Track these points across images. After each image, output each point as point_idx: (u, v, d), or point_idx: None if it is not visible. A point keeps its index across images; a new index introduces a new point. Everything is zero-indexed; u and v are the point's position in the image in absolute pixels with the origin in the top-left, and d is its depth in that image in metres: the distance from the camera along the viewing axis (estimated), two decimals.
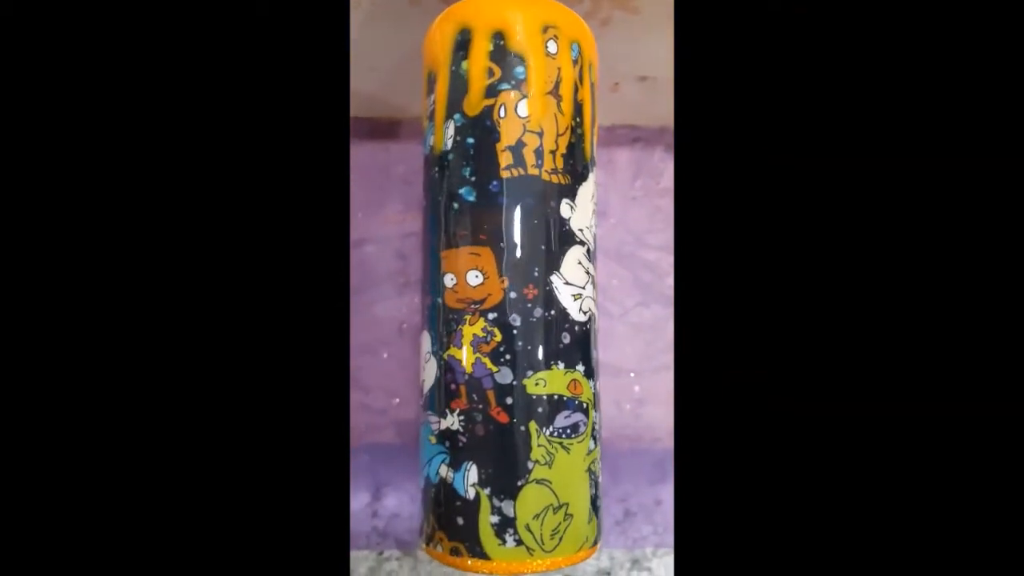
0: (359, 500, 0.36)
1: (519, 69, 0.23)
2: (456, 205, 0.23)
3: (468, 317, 0.22)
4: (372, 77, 0.33)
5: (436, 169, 0.24)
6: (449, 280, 0.23)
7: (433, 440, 0.23)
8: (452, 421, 0.22)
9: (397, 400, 0.36)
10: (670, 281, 0.38)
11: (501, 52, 0.23)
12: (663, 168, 0.39)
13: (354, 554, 0.35)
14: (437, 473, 0.22)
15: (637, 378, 0.37)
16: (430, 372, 0.23)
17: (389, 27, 0.29)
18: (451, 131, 0.23)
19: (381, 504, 0.36)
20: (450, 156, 0.23)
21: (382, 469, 0.36)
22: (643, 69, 0.33)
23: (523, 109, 0.23)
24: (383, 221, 0.37)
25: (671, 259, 0.39)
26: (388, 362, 0.36)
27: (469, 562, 0.22)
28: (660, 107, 0.36)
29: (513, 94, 0.23)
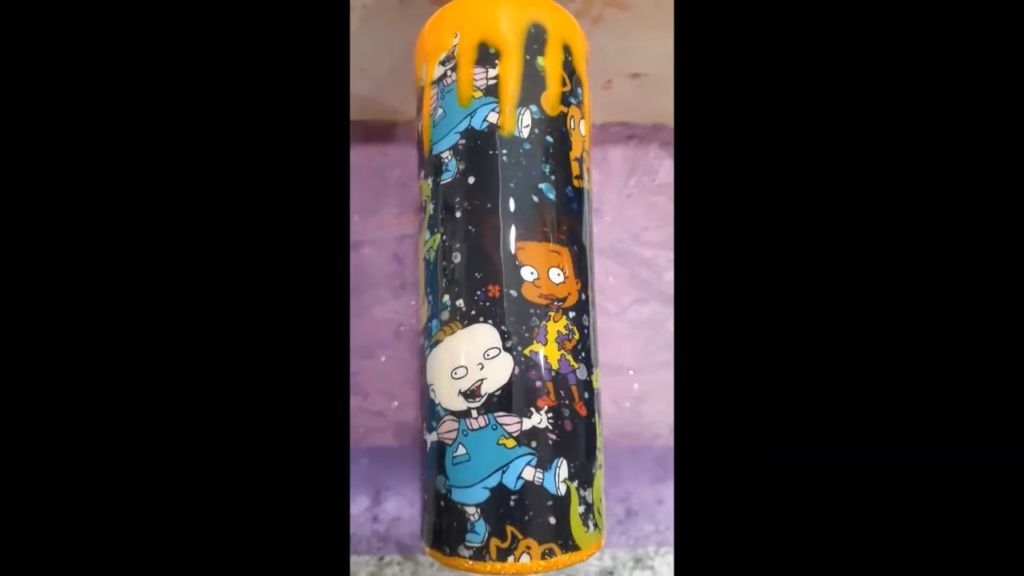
0: (359, 504, 0.35)
1: (579, 90, 0.25)
2: (536, 199, 0.23)
3: (552, 314, 0.23)
4: (365, 80, 0.32)
5: (504, 152, 0.23)
6: (529, 273, 0.22)
7: (511, 444, 0.21)
8: (540, 419, 0.22)
9: (396, 403, 0.36)
10: (668, 277, 0.38)
11: (570, 68, 0.24)
12: (658, 165, 0.39)
13: (354, 559, 0.35)
14: (519, 477, 0.21)
15: (636, 375, 0.37)
16: (499, 370, 0.22)
17: (381, 30, 0.28)
18: (527, 120, 0.23)
19: (381, 508, 0.35)
20: (526, 145, 0.23)
21: (382, 473, 0.35)
22: (635, 66, 0.33)
23: (582, 128, 0.25)
24: (379, 224, 0.37)
25: (668, 256, 0.39)
26: (386, 365, 0.36)
27: (560, 559, 0.22)
28: (653, 104, 0.36)
29: (578, 111, 0.24)
